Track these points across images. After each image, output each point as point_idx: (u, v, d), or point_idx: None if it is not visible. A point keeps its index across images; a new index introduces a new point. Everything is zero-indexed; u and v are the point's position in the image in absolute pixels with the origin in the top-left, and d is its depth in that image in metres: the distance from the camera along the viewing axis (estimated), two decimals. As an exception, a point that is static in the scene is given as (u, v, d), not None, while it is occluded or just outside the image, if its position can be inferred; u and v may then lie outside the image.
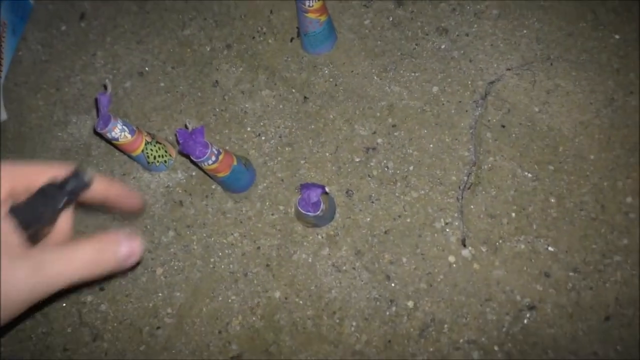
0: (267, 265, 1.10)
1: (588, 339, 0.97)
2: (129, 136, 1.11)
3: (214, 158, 1.04)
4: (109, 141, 1.11)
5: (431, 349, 1.00)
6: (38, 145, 1.30)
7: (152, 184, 1.21)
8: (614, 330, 0.97)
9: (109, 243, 0.49)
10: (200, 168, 1.10)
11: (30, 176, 0.51)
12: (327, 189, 0.97)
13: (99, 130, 1.07)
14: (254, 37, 1.33)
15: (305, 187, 0.98)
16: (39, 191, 0.53)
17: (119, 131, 1.09)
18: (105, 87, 1.07)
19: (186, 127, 1.03)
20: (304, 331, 1.05)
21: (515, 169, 1.10)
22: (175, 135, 1.10)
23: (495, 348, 0.99)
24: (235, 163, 1.10)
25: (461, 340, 1.00)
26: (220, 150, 1.06)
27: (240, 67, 1.29)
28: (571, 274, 1.01)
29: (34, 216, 0.56)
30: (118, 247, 0.48)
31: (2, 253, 0.45)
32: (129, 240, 0.54)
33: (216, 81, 1.29)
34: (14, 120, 1.34)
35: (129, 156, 1.18)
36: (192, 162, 1.14)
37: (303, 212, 0.98)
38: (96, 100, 1.07)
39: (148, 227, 1.17)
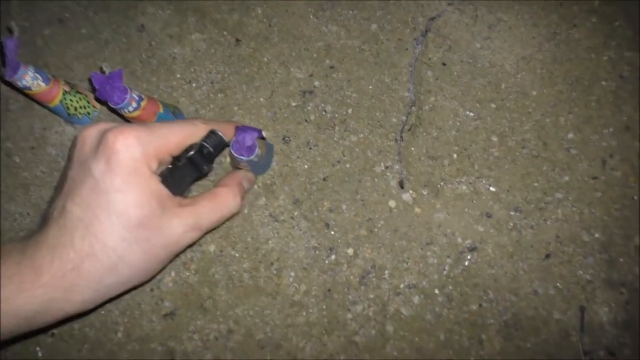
0: (201, 218, 1.03)
1: (528, 278, 0.94)
2: (42, 84, 1.01)
3: (134, 104, 0.95)
4: (22, 92, 1.02)
5: (371, 296, 0.97)
6: (-51, 101, 1.19)
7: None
8: (554, 268, 0.94)
9: (234, 194, 0.79)
10: (123, 117, 1.01)
11: (173, 140, 0.66)
12: (264, 134, 0.90)
13: (7, 78, 0.97)
14: (182, -23, 1.22)
15: (240, 129, 0.91)
16: (188, 160, 0.70)
17: (30, 79, 0.99)
18: (10, 30, 0.97)
19: (102, 71, 0.94)
20: (241, 284, 0.99)
21: (457, 109, 1.05)
22: (90, 80, 1.01)
23: (436, 291, 0.95)
24: (161, 111, 1.01)
25: (402, 285, 0.96)
26: (142, 96, 0.97)
27: (167, 9, 1.19)
28: (512, 213, 0.98)
29: (182, 182, 0.73)
30: (238, 197, 0.79)
31: (165, 212, 0.61)
32: (240, 191, 0.81)
33: (142, 25, 1.18)
34: None
35: (47, 108, 1.08)
36: (114, 111, 1.06)
37: (236, 155, 0.91)
38: (1, 45, 0.96)
39: (72, 183, 1.08)
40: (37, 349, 0.98)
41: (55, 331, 0.99)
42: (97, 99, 1.08)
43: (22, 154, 1.12)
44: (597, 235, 0.95)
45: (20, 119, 1.15)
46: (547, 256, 0.94)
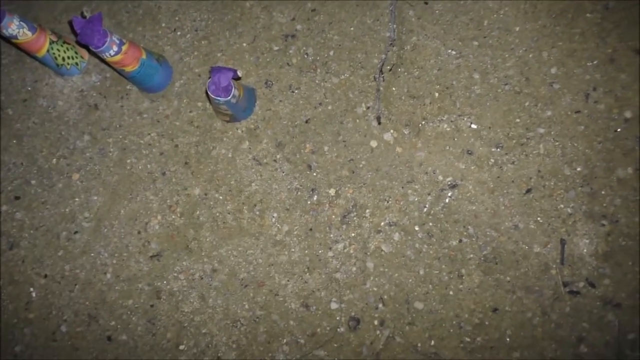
0: (186, 163, 1.04)
1: (509, 213, 0.93)
2: (29, 33, 1.02)
3: (115, 48, 0.95)
4: (10, 42, 1.03)
5: (353, 234, 0.96)
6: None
7: (66, 89, 1.13)
8: (535, 202, 0.92)
9: None
10: (109, 65, 1.01)
11: None
12: (239, 73, 0.89)
13: (-9, 27, 0.98)
14: None
15: (215, 70, 0.90)
16: None
17: (16, 27, 0.99)
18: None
19: (83, 15, 0.94)
20: (225, 226, 1.00)
21: (439, 47, 1.02)
22: (71, 24, 1.01)
23: (416, 228, 0.95)
24: (144, 57, 1.01)
25: (382, 223, 0.96)
26: (124, 41, 0.97)
27: (151, -40, 1.18)
28: (494, 149, 0.96)
29: None
30: None
31: None
32: None
33: (127, -24, 1.18)
34: None
35: (36, 59, 1.09)
36: (101, 60, 1.06)
37: (213, 96, 0.91)
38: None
39: (62, 133, 1.09)
40: (31, 289, 1.01)
41: (47, 272, 1.01)
42: (79, 43, 1.08)
43: (14, 106, 1.13)
44: (579, 168, 0.92)
45: (12, 72, 1.16)
46: (528, 191, 0.93)
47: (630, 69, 0.93)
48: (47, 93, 1.12)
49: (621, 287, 0.87)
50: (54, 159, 1.07)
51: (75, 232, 1.02)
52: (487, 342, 0.88)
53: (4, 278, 1.01)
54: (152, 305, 0.97)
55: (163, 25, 1.13)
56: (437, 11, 1.03)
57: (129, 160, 1.05)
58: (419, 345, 0.89)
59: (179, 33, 1.12)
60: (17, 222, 1.04)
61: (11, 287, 1.01)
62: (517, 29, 1.00)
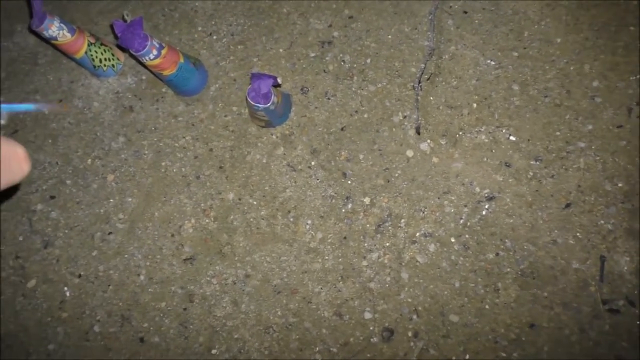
0: (220, 167, 1.03)
1: (547, 227, 0.91)
2: (68, 35, 1.01)
3: (155, 52, 0.95)
4: (49, 42, 1.02)
5: (387, 244, 0.95)
6: (-18, 56, 1.21)
7: (101, 90, 1.13)
8: (574, 217, 0.90)
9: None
10: (147, 68, 1.01)
11: None
12: (279, 80, 0.88)
13: (34, 28, 0.97)
14: None
15: (255, 76, 0.89)
16: None
17: (56, 29, 0.99)
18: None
19: (124, 19, 0.94)
20: (258, 231, 0.99)
21: (478, 57, 1.00)
22: (112, 27, 1.01)
23: (452, 240, 0.93)
24: (182, 61, 1.00)
25: (418, 234, 0.94)
26: (163, 45, 0.97)
27: (189, -37, 1.18)
28: (532, 162, 0.94)
29: None
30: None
31: None
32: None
33: (164, -21, 1.17)
34: (-43, 31, 1.24)
35: (74, 59, 1.08)
36: (139, 62, 1.06)
37: (252, 103, 0.90)
38: (27, -3, 0.97)
39: (98, 134, 1.09)
40: (65, 289, 1.01)
41: (81, 272, 1.01)
42: (119, 47, 1.08)
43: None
44: (620, 184, 0.90)
45: (49, 72, 1.16)
46: (568, 205, 0.91)
47: (676, 85, 0.90)
48: (82, 94, 1.12)
49: (662, 306, 0.85)
50: (89, 160, 1.07)
51: (110, 233, 1.01)
52: (523, 358, 0.86)
53: (39, 276, 1.01)
54: (184, 309, 0.96)
55: (199, 29, 1.12)
56: (476, 21, 1.02)
57: (163, 163, 1.04)
58: (454, 358, 0.88)
59: (215, 37, 1.11)
60: (52, 221, 1.04)
61: (45, 285, 1.01)
62: (559, 40, 0.98)
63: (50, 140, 1.09)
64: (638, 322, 0.84)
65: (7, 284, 1.01)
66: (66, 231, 1.03)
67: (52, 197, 1.05)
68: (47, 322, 0.99)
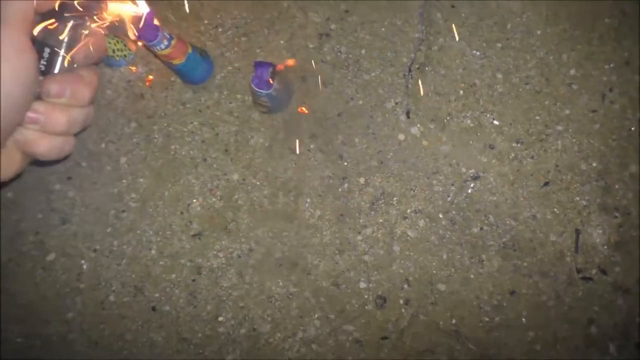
0: (226, 150, 1.08)
1: (527, 204, 0.96)
2: (83, 27, 1.06)
3: (166, 42, 0.99)
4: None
5: (380, 220, 1.00)
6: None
7: (114, 79, 1.17)
8: (552, 195, 0.96)
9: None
10: (158, 57, 1.05)
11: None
12: (280, 67, 0.93)
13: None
14: None
15: (258, 64, 0.93)
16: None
17: (72, 22, 1.04)
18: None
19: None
20: (261, 209, 1.04)
21: (464, 48, 1.05)
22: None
23: (440, 215, 0.98)
24: (190, 51, 1.05)
25: (409, 210, 0.99)
26: (173, 36, 1.01)
27: (195, -40, 1.22)
28: (514, 144, 0.99)
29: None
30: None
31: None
32: None
33: (172, -24, 1.22)
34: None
35: (88, 50, 1.13)
36: (150, 52, 1.10)
37: (256, 89, 0.95)
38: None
39: (111, 119, 1.13)
40: (82, 262, 1.05)
41: (97, 247, 1.06)
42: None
43: (66, 94, 1.18)
44: (594, 164, 0.95)
45: (64, 63, 1.21)
46: (546, 184, 0.96)
47: (645, 72, 0.96)
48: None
49: (631, 274, 0.90)
50: (103, 144, 1.11)
51: (123, 211, 1.06)
52: (504, 322, 0.92)
53: (57, 251, 1.06)
54: (193, 280, 1.01)
55: (205, 22, 1.17)
56: (463, 14, 1.06)
57: (172, 147, 1.09)
58: (441, 323, 0.93)
59: (220, 29, 1.15)
60: (69, 200, 1.08)
61: (64, 259, 1.05)
62: (539, 32, 1.03)
63: (66, 126, 1.13)
64: (609, 289, 0.90)
65: (27, 258, 1.06)
66: (82, 209, 1.07)
67: (69, 178, 1.10)
68: (66, 292, 1.04)
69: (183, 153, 1.08)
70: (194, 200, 1.05)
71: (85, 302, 1.03)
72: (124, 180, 1.09)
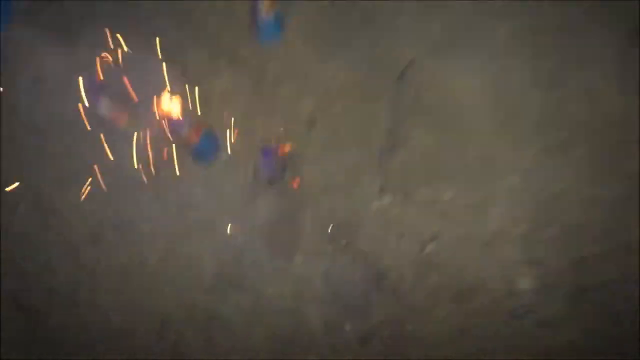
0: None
1: (473, 258, 1.25)
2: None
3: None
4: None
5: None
6: None
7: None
8: (494, 251, 1.24)
9: None
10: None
11: None
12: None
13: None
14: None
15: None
16: None
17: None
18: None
19: None
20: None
21: (423, 136, 1.33)
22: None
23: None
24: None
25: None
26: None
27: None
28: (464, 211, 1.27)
29: None
30: None
31: None
32: None
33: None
34: None
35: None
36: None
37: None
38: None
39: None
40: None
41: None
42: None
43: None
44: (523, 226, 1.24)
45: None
46: (486, 244, 1.24)
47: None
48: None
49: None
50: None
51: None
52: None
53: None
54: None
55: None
56: (425, 106, 1.34)
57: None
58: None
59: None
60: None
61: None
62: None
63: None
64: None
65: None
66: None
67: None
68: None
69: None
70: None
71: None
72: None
